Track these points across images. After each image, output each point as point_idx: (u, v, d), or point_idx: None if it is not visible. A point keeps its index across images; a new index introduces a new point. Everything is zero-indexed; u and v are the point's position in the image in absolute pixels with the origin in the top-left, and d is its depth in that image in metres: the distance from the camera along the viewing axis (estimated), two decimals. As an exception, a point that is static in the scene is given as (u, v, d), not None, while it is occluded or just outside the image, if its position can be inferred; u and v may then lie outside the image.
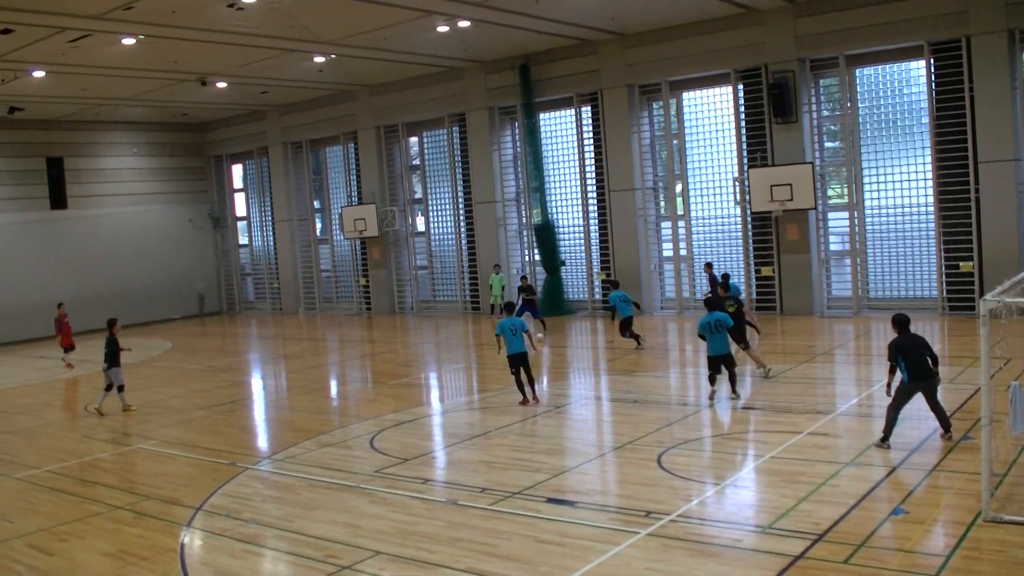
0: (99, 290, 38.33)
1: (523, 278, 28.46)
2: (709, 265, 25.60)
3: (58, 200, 38.27)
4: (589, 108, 30.39)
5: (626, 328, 22.67)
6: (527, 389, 17.03)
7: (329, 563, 9.83)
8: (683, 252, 28.96)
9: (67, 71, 27.66)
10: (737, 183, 27.21)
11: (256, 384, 23.88)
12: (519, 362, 16.96)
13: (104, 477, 14.66)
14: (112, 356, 19.58)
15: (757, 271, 27.51)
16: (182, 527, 11.59)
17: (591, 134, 30.45)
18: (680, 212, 29.12)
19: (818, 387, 17.37)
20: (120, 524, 11.97)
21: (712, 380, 16.07)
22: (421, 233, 36.17)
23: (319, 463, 14.14)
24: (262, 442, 17.13)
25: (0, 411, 21.83)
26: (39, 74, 27.48)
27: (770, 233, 26.95)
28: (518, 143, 32.44)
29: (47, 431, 18.83)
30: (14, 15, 21.20)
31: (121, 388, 19.63)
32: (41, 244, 37.49)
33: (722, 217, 28.62)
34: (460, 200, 34.10)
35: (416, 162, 36.39)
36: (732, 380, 16.23)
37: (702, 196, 28.95)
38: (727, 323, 16.25)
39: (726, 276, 21.64)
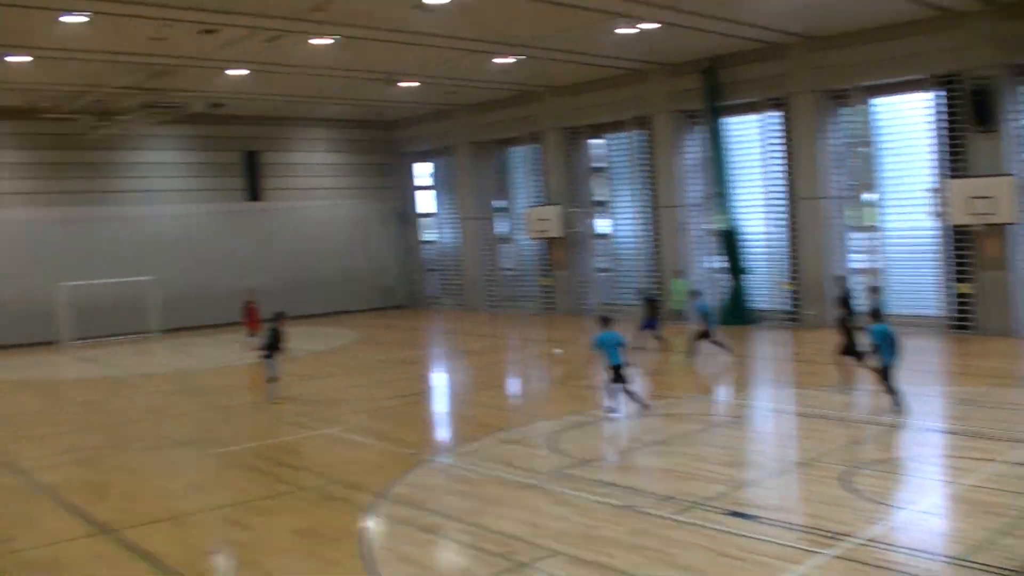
0: (288, 280, 39.89)
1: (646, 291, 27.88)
2: (843, 278, 25.59)
3: (254, 193, 40.10)
4: (776, 113, 29.80)
5: (705, 336, 23.03)
6: (633, 398, 17.06)
7: (508, 559, 10.02)
8: (873, 264, 28.06)
9: (267, 70, 28.87)
10: (935, 194, 26.16)
11: (439, 378, 24.43)
12: (617, 375, 16.91)
13: (294, 459, 15.33)
14: (273, 347, 20.01)
15: (954, 288, 26.39)
16: (367, 512, 12.02)
17: (778, 140, 29.86)
18: (870, 223, 28.24)
19: (1018, 413, 16.58)
20: (309, 505, 12.52)
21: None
22: (604, 235, 36.22)
23: (501, 459, 14.39)
24: (445, 435, 17.56)
25: (200, 389, 23.07)
26: (239, 72, 28.78)
27: (969, 248, 25.84)
28: (703, 147, 32.11)
29: (242, 411, 19.83)
30: (217, 16, 22.21)
31: (274, 380, 20.17)
32: (236, 234, 39.31)
33: (916, 229, 27.56)
34: (644, 203, 33.99)
35: (601, 164, 36.45)
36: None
37: (894, 207, 27.97)
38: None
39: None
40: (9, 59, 25.30)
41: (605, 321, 17.60)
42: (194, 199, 38.36)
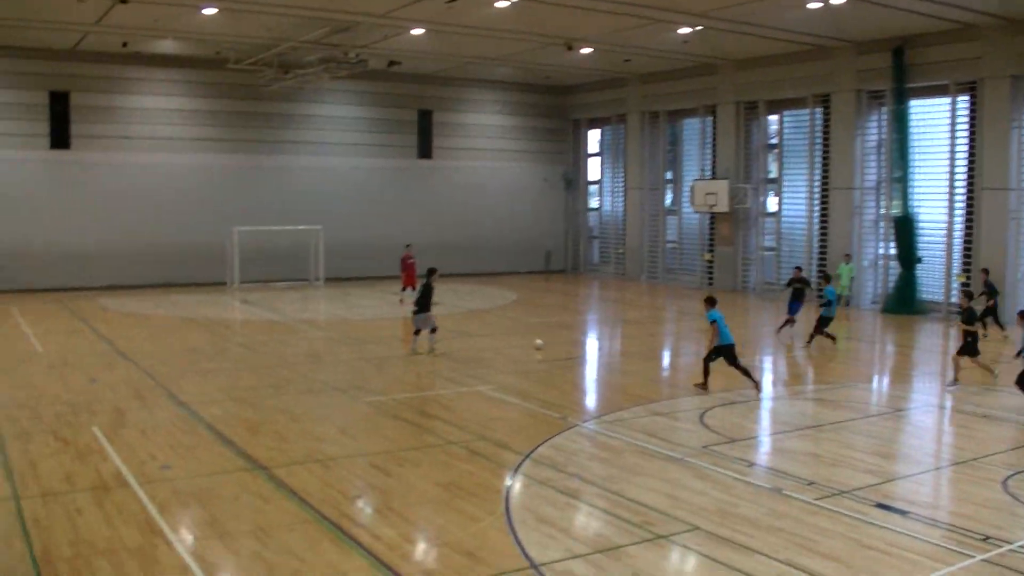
0: (452, 238, 40.58)
1: (797, 268, 26.80)
2: (985, 271, 24.94)
3: (425, 151, 40.81)
4: (967, 97, 28.46)
5: (823, 326, 22.38)
6: (751, 378, 16.99)
7: (645, 529, 9.95)
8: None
9: (444, 30, 29.17)
10: None
11: (592, 344, 24.39)
12: (726, 352, 16.87)
13: (442, 412, 15.54)
14: (424, 302, 20.53)
15: None
16: (509, 471, 12.13)
17: (966, 126, 28.53)
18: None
19: None
20: (453, 458, 12.68)
21: None
22: (772, 214, 35.43)
23: (646, 430, 14.29)
24: (593, 401, 17.52)
25: (356, 339, 23.64)
26: (418, 31, 29.15)
27: None
28: (884, 129, 30.96)
29: (395, 362, 20.22)
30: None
31: (434, 330, 20.62)
32: (406, 190, 40.14)
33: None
34: (816, 184, 33.07)
35: (774, 141, 35.62)
36: None
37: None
38: None
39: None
40: (204, 11, 26.32)
41: (711, 301, 17.39)
42: (365, 154, 39.29)
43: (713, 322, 16.93)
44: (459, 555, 9.20)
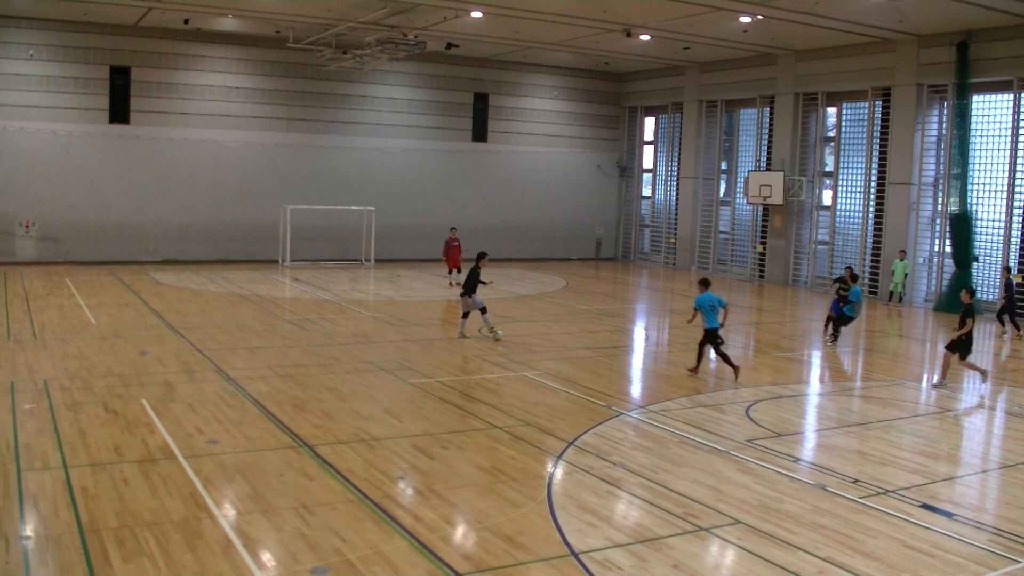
0: (504, 222, 40.72)
1: (847, 268, 24.89)
2: (1007, 270, 24.61)
3: (480, 134, 40.85)
4: (1031, 94, 27.95)
5: (843, 324, 21.97)
6: (731, 364, 17.48)
7: (687, 521, 9.92)
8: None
9: (503, 13, 29.11)
10: None
11: (640, 333, 24.29)
12: (711, 338, 17.50)
13: (487, 396, 15.56)
14: (471, 285, 20.74)
15: None
16: (553, 457, 12.13)
17: (1029, 124, 28.02)
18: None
19: None
20: (496, 443, 12.71)
21: None
22: (826, 207, 35.03)
23: (691, 421, 14.23)
24: (638, 391, 17.46)
25: (405, 321, 23.73)
26: (477, 15, 29.11)
27: None
28: (944, 125, 30.47)
29: (442, 345, 20.29)
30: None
31: (484, 310, 20.83)
32: (459, 173, 40.25)
33: None
34: (873, 178, 32.66)
35: (831, 133, 35.20)
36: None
37: None
38: None
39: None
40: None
41: (704, 283, 18.08)
42: (420, 136, 39.39)
43: (697, 308, 17.63)
44: (499, 540, 9.22)
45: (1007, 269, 24.10)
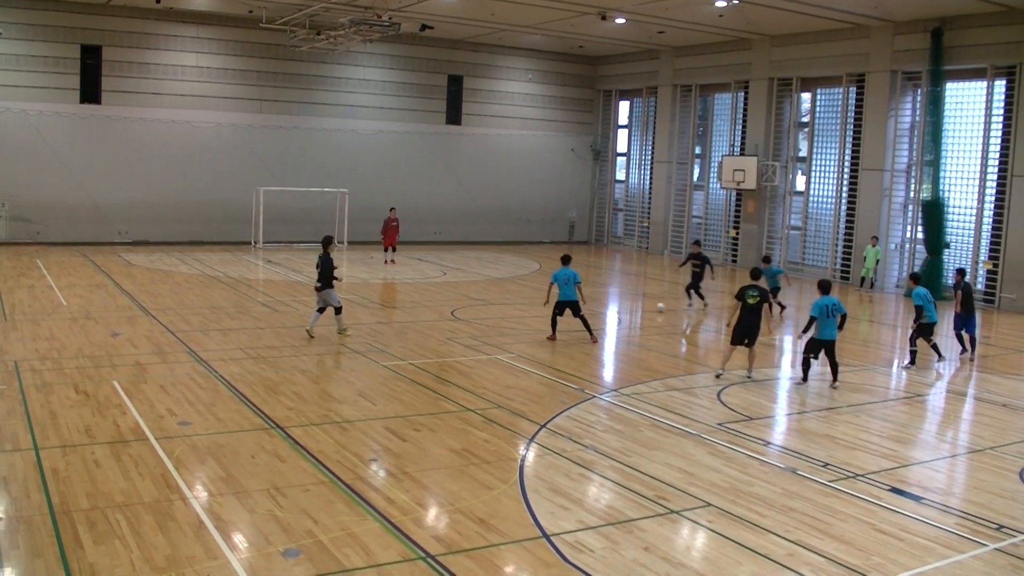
0: (477, 205, 40.76)
1: (696, 243, 25.54)
2: (963, 272, 23.35)
3: (454, 116, 40.76)
4: (1004, 82, 28.09)
5: (924, 334, 18.86)
6: (589, 330, 19.22)
7: (658, 503, 9.98)
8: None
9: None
10: None
11: (612, 317, 24.33)
12: (566, 307, 19.08)
13: (460, 379, 15.58)
14: (326, 277, 18.37)
15: None
16: (525, 440, 12.17)
17: (1002, 110, 28.17)
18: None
19: None
20: (469, 425, 12.74)
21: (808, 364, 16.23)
22: (800, 192, 35.20)
23: (663, 405, 14.30)
24: (611, 374, 17.52)
25: (379, 304, 23.69)
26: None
27: None
28: (917, 112, 30.63)
29: (416, 327, 20.25)
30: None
31: (339, 310, 18.71)
32: (433, 156, 40.18)
33: None
34: (846, 164, 32.82)
35: (806, 119, 35.33)
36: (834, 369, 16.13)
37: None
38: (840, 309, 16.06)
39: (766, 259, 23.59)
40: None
41: (565, 259, 19.41)
42: (394, 118, 39.26)
43: (553, 282, 18.96)
44: (471, 522, 9.25)
45: (961, 272, 22.89)
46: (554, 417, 13.28)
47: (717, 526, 9.46)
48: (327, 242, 18.77)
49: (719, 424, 13.30)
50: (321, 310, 18.60)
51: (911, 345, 18.92)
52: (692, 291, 24.74)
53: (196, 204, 35.61)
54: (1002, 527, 9.76)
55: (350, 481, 10.26)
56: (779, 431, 13.68)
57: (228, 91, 36.10)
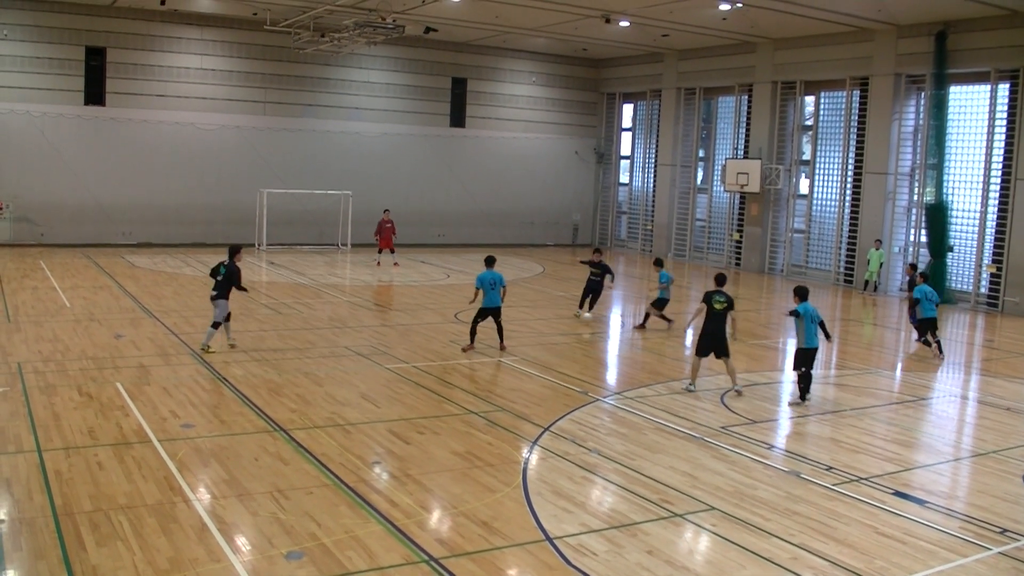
0: (481, 208, 40.79)
1: (596, 251, 23.65)
2: (914, 267, 24.11)
3: (458, 119, 40.77)
4: (1008, 85, 28.06)
5: (925, 330, 20.02)
6: (501, 338, 18.32)
7: (662, 507, 9.98)
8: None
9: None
10: None
11: (616, 320, 24.32)
12: (488, 313, 18.03)
13: (463, 382, 15.59)
14: (225, 287, 16.98)
15: None
16: (529, 443, 12.17)
17: (1006, 114, 28.15)
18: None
19: None
20: (472, 428, 12.74)
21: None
22: (803, 196, 35.17)
23: (667, 408, 14.29)
24: (615, 377, 17.51)
25: (382, 306, 23.72)
26: (456, -1, 29.08)
27: None
28: (921, 115, 30.62)
29: (419, 330, 20.24)
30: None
31: (228, 318, 17.19)
32: (437, 158, 40.17)
33: None
34: (850, 167, 32.80)
35: (809, 122, 35.31)
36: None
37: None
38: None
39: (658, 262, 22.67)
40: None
41: (489, 261, 18.40)
42: (398, 120, 39.26)
43: (479, 287, 17.98)
44: (474, 525, 9.25)
45: (912, 267, 23.30)
46: (557, 420, 13.28)
47: (720, 530, 9.45)
48: (234, 251, 17.42)
49: (722, 427, 13.29)
50: (228, 317, 17.18)
51: (920, 337, 20.13)
52: (587, 299, 22.86)
53: (200, 206, 35.62)
54: (1006, 531, 9.75)
55: (353, 484, 10.26)
56: (782, 434, 13.67)
57: (232, 93, 36.12)
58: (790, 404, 15.12)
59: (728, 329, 15.90)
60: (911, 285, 21.43)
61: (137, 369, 15.31)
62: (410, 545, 8.69)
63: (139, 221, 34.91)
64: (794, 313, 15.15)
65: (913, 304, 20.42)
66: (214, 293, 16.97)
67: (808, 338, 15.09)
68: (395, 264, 31.75)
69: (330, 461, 10.98)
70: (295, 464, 10.87)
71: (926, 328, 20.02)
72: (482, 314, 18.13)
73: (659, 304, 21.85)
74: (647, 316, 21.98)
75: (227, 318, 17.14)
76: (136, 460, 10.70)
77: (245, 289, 17.58)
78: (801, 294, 15.36)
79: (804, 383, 15.08)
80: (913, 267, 24.06)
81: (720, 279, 16.44)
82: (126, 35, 34.14)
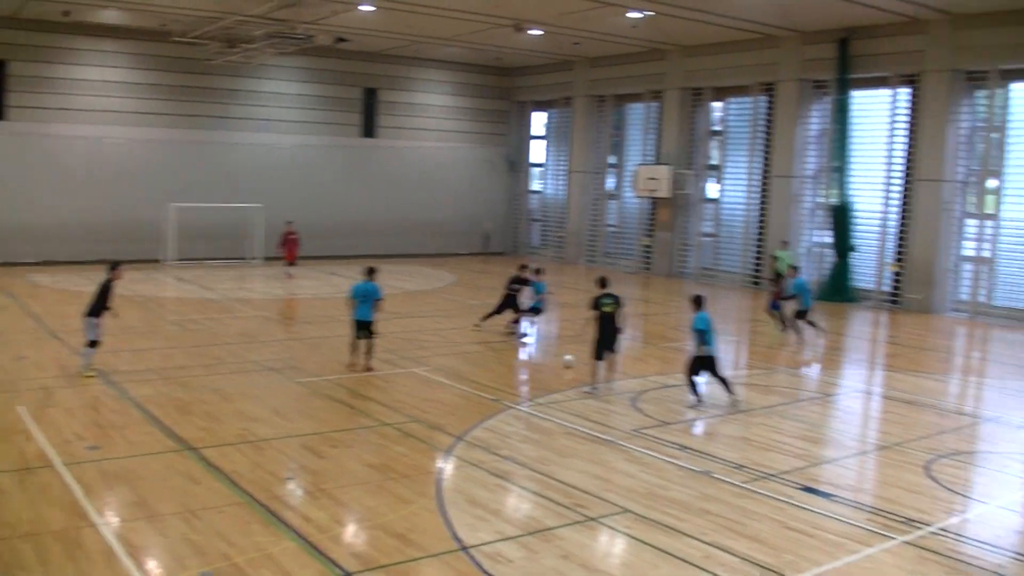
0: (393, 218, 40.61)
1: (522, 267, 22.91)
2: (776, 259, 25.49)
3: (369, 129, 40.58)
4: (908, 90, 28.84)
5: (801, 318, 21.92)
6: (362, 356, 17.31)
7: (576, 511, 10.04)
8: (986, 253, 27.15)
9: (395, 7, 28.91)
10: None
11: (529, 327, 24.39)
12: (360, 328, 17.17)
13: (376, 394, 15.50)
14: (98, 305, 16.04)
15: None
16: (442, 453, 12.16)
17: (905, 118, 28.93)
18: (989, 211, 27.29)
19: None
20: (386, 440, 12.69)
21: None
22: (712, 200, 35.71)
23: (579, 413, 14.39)
24: (528, 384, 17.57)
25: (291, 319, 23.52)
26: (367, 8, 28.85)
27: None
28: (825, 119, 31.30)
29: (329, 343, 20.04)
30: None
31: (95, 343, 16.14)
32: (348, 169, 39.89)
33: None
34: (756, 171, 33.39)
35: (718, 128, 35.87)
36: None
37: (1018, 196, 26.94)
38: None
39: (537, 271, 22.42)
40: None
41: (369, 272, 17.56)
42: (309, 131, 38.93)
43: (353, 298, 17.22)
44: (390, 537, 9.21)
45: (773, 257, 25.06)
46: (471, 429, 13.28)
47: (634, 531, 9.55)
48: (112, 267, 16.43)
49: (634, 430, 13.43)
50: (94, 343, 16.12)
51: (794, 323, 21.86)
52: (498, 313, 22.08)
53: (106, 222, 34.83)
54: (910, 520, 10.02)
55: (266, 501, 10.14)
56: (694, 435, 13.85)
57: (140, 106, 35.44)
58: (691, 407, 15.24)
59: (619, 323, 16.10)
60: (778, 277, 23.74)
61: (40, 391, 14.92)
62: (325, 561, 8.63)
63: (43, 238, 34.02)
64: (698, 331, 15.20)
65: (781, 295, 22.58)
66: (87, 311, 16.02)
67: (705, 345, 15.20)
68: (288, 276, 31.37)
69: (241, 478, 10.84)
70: (205, 483, 10.71)
71: (801, 316, 21.83)
72: (354, 327, 17.35)
73: (533, 311, 21.87)
74: (516, 321, 21.77)
75: (94, 343, 16.04)
76: (39, 485, 10.44)
77: (108, 308, 16.10)
78: (698, 302, 15.55)
79: (722, 385, 15.29)
80: (774, 257, 25.30)
81: (603, 281, 16.62)
82: (29, 47, 33.29)
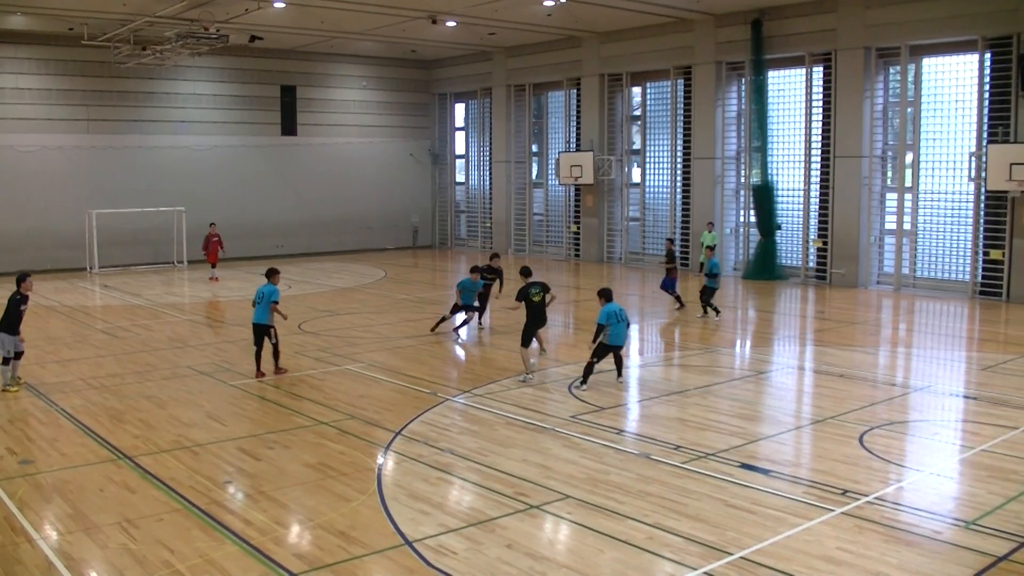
0: (318, 215, 40.31)
1: (494, 256, 23.67)
2: (671, 241, 26.05)
3: (289, 127, 40.19)
4: (821, 69, 29.33)
5: (703, 297, 22.65)
6: (267, 362, 16.65)
7: (518, 500, 10.07)
8: (907, 226, 27.75)
9: (307, 3, 28.66)
10: (974, 158, 25.73)
11: (461, 319, 24.40)
12: (257, 332, 16.57)
13: (311, 393, 15.40)
14: (8, 319, 15.61)
15: (985, 253, 26.02)
16: (381, 448, 12.12)
17: (820, 96, 29.42)
18: (908, 184, 27.90)
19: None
20: (324, 439, 12.61)
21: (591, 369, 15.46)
22: (636, 184, 35.99)
23: (517, 402, 14.44)
24: (463, 376, 17.58)
25: (221, 322, 23.24)
26: (279, 5, 28.55)
27: (1004, 214, 25.47)
28: (743, 100, 31.73)
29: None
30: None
31: (16, 357, 15.78)
32: (269, 168, 39.47)
33: (953, 193, 27.18)
34: (679, 154, 33.72)
35: (637, 112, 36.14)
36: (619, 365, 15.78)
37: (933, 169, 27.58)
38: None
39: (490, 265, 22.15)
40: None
41: (269, 273, 16.93)
42: (228, 131, 38.45)
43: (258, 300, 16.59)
44: (332, 536, 9.17)
45: (670, 240, 25.87)
46: (409, 423, 13.26)
47: (577, 517, 9.61)
48: (20, 278, 15.83)
49: (572, 416, 13.51)
50: (5, 361, 15.61)
51: (701, 300, 22.70)
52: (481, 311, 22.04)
53: (23, 232, 34.05)
54: (847, 492, 10.21)
55: (205, 506, 10.03)
56: (631, 418, 13.98)
57: (52, 112, 34.70)
58: (575, 388, 15.28)
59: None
60: (669, 257, 24.55)
61: (-34, 407, 14.59)
62: (268, 563, 8.56)
63: (-42, 252, 33.24)
64: (599, 328, 15.26)
65: (673, 273, 24.15)
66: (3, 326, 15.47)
67: (614, 336, 15.23)
68: (212, 279, 31.03)
69: (179, 485, 10.71)
70: (143, 492, 10.56)
71: (708, 295, 22.57)
72: (253, 332, 16.69)
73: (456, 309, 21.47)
74: (441, 320, 21.33)
75: (7, 359, 15.55)
76: (-29, 502, 10.22)
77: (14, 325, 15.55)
78: (606, 295, 15.63)
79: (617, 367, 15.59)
80: (670, 240, 26.30)
81: (526, 271, 16.95)
82: (-69, 57, 32.46)
